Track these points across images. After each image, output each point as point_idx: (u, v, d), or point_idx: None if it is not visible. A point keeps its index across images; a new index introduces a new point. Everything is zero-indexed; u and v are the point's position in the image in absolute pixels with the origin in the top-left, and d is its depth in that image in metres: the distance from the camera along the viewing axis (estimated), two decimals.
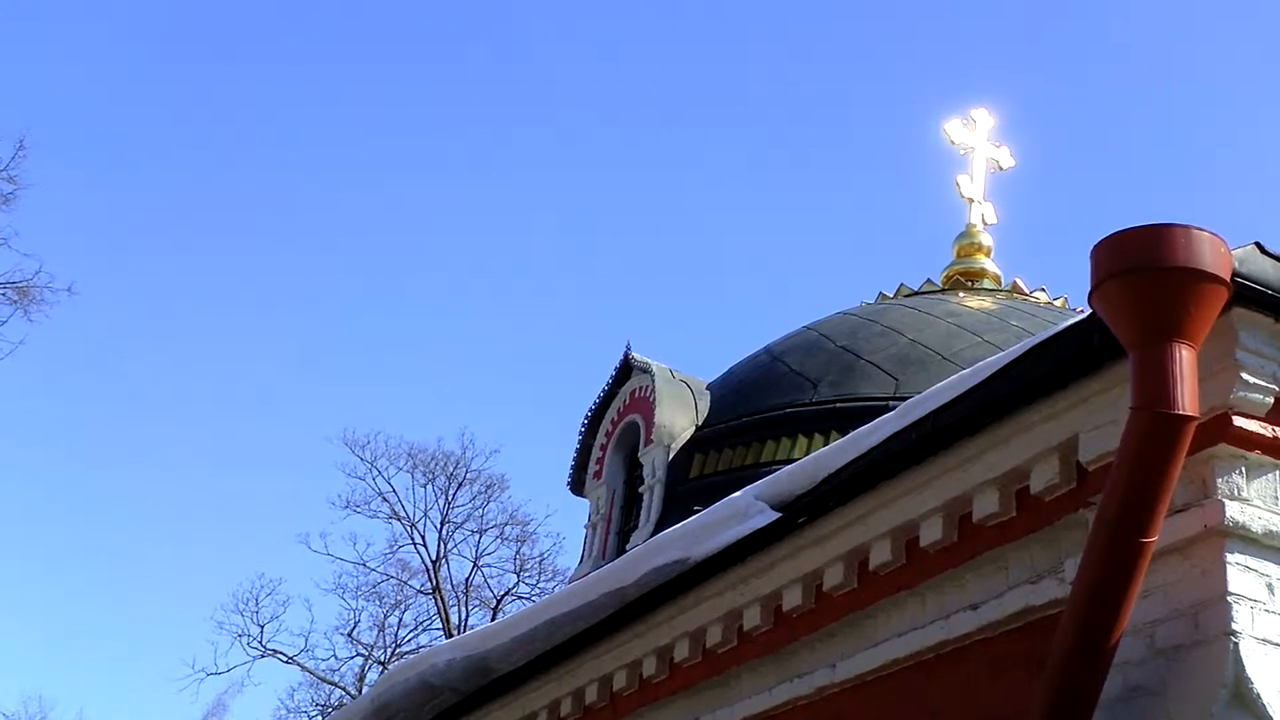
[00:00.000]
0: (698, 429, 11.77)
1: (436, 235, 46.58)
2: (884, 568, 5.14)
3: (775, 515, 5.38)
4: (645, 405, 12.11)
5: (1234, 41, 45.45)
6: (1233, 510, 3.93)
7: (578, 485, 12.94)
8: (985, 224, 14.43)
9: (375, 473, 31.52)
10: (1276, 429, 4.03)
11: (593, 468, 12.76)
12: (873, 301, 13.34)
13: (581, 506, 12.95)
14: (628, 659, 6.56)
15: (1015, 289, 13.52)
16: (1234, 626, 3.82)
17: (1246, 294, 3.87)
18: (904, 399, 5.71)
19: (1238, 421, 3.98)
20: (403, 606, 31.87)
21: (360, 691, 28.05)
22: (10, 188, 25.52)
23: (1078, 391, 4.32)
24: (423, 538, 31.46)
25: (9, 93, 38.33)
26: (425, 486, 31.68)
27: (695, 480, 11.38)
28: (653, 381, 12.06)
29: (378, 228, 47.24)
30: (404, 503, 31.55)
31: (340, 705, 27.46)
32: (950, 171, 14.71)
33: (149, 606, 45.96)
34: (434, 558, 31.29)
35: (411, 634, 31.53)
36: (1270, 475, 4.06)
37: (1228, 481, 4.00)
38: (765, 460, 10.76)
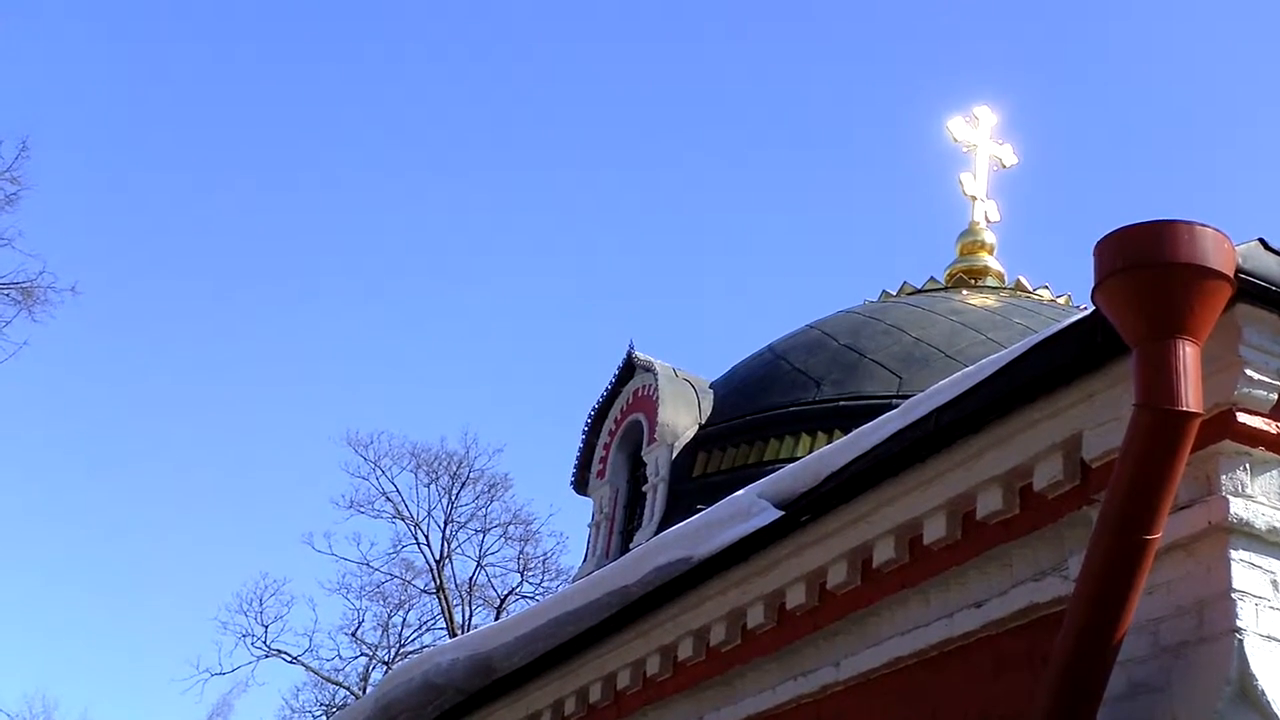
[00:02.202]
0: (701, 428, 11.77)
1: (440, 234, 46.64)
2: (887, 566, 5.13)
3: (778, 514, 5.38)
4: (648, 404, 12.11)
5: (1236, 37, 45.43)
6: (1237, 507, 3.92)
7: (581, 484, 12.93)
8: (988, 222, 14.42)
9: (379, 472, 31.59)
10: None
11: (596, 467, 12.75)
12: (876, 299, 13.34)
13: (585, 506, 12.95)
14: (631, 658, 6.56)
15: (1019, 287, 13.51)
16: (1238, 623, 3.81)
17: (1250, 290, 3.86)
18: (907, 397, 5.70)
19: (1241, 418, 3.97)
20: (407, 606, 31.93)
21: (364, 691, 28.06)
22: (14, 188, 25.51)
23: (1081, 389, 4.31)
24: (426, 537, 31.52)
25: (12, 94, 38.39)
26: (429, 486, 31.74)
27: (699, 479, 11.37)
28: (656, 380, 12.05)
29: (381, 227, 47.29)
30: (408, 502, 31.61)
31: (344, 705, 27.46)
32: (953, 169, 14.72)
33: (153, 607, 46.05)
34: (438, 557, 31.33)
35: (415, 634, 31.60)
36: (1275, 471, 4.05)
37: (1232, 478, 3.99)
38: (769, 459, 10.75)
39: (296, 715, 31.50)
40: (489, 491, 31.82)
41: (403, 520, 31.52)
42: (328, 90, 47.03)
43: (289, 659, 31.57)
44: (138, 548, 45.85)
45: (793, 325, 12.80)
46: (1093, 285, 3.80)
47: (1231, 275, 3.72)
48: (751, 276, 47.64)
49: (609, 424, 12.72)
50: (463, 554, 31.66)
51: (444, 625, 30.70)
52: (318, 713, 31.10)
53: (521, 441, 43.72)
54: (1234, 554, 3.90)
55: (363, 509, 31.33)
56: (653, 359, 12.37)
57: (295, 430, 45.76)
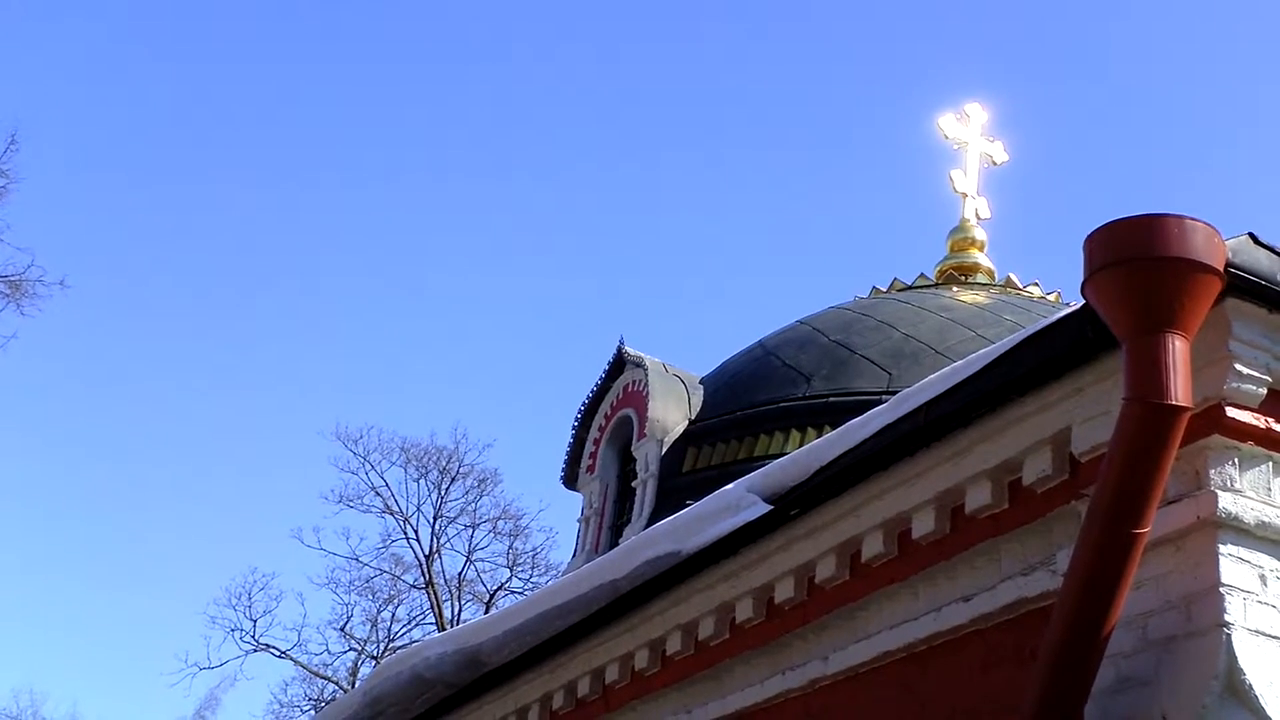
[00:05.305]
0: (691, 423, 11.76)
1: (430, 231, 46.57)
2: (876, 560, 5.13)
3: (767, 508, 5.37)
4: (639, 399, 12.10)
5: (1227, 35, 45.51)
6: (1225, 501, 3.92)
7: (571, 479, 12.92)
8: (979, 219, 14.42)
9: (368, 467, 31.50)
10: (1270, 420, 4.02)
11: (586, 462, 12.74)
12: (866, 296, 13.34)
13: (575, 501, 12.95)
14: (620, 652, 6.55)
15: (1009, 284, 13.53)
16: (1227, 618, 3.81)
17: (1240, 284, 3.86)
18: (897, 393, 5.70)
19: (1231, 413, 3.97)
20: (396, 601, 31.89)
21: (353, 686, 28.03)
22: (3, 181, 25.40)
23: (1070, 383, 4.31)
24: (416, 532, 31.46)
25: (1, 86, 38.24)
26: (418, 481, 31.67)
27: (688, 474, 11.37)
28: (646, 375, 12.05)
29: (371, 223, 47.22)
30: (397, 497, 31.54)
31: (333, 699, 27.43)
32: (944, 166, 14.72)
33: (142, 601, 46.02)
34: (427, 552, 31.28)
35: (404, 629, 31.56)
36: (1263, 466, 4.05)
37: (1221, 473, 3.99)
38: (758, 454, 10.75)
39: (285, 710, 31.47)
40: (478, 486, 31.81)
41: (392, 515, 31.49)
42: (319, 87, 46.98)
43: (277, 653, 31.53)
44: (126, 542, 45.85)
45: (783, 321, 12.81)
46: (1082, 279, 3.80)
47: (1221, 270, 3.72)
48: (742, 272, 47.68)
49: (599, 419, 12.71)
50: (452, 549, 31.66)
51: (433, 620, 30.67)
52: (306, 707, 31.06)
53: (511, 436, 43.79)
54: (1222, 549, 3.91)
55: (352, 504, 31.28)
56: (643, 354, 12.37)
57: (285, 424, 45.79)
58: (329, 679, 31.21)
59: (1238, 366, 3.94)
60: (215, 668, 31.24)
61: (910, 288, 13.40)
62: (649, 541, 6.04)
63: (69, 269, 40.79)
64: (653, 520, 10.70)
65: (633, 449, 12.03)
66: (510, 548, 31.54)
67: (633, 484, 11.92)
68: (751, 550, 5.62)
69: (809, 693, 5.52)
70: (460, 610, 30.89)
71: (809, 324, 12.31)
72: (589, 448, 12.74)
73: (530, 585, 30.15)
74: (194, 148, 45.79)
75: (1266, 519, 3.97)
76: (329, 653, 31.64)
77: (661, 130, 48.01)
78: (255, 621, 31.44)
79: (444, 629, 28.47)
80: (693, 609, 6.04)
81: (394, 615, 31.79)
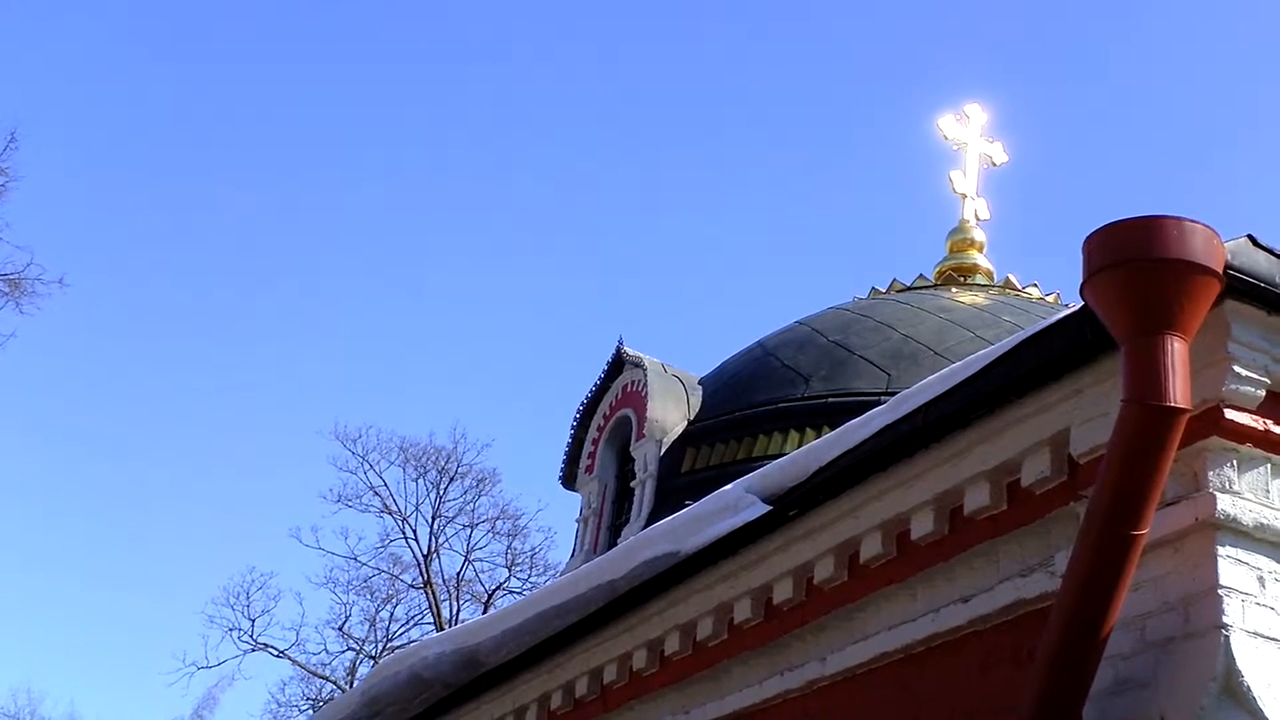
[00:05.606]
0: (690, 423, 11.76)
1: (430, 231, 46.56)
2: (875, 561, 5.13)
3: (766, 508, 5.37)
4: (637, 399, 12.10)
5: (1227, 35, 45.52)
6: (1224, 503, 3.92)
7: (569, 479, 12.92)
8: (978, 220, 14.42)
9: (367, 467, 31.51)
10: (1268, 422, 4.02)
11: (584, 462, 12.74)
12: (865, 296, 13.34)
13: (573, 501, 12.94)
14: (618, 652, 6.55)
15: (1008, 285, 13.54)
16: (1225, 619, 3.82)
17: (1239, 286, 3.86)
18: (896, 394, 5.70)
19: (1229, 414, 3.97)
20: (394, 601, 31.90)
21: (351, 685, 28.03)
22: (2, 179, 25.39)
23: (1069, 384, 4.31)
24: (414, 532, 31.47)
25: (1, 86, 38.23)
26: (417, 481, 31.69)
27: (687, 475, 11.37)
28: (645, 376, 12.05)
29: (371, 223, 47.21)
30: (395, 497, 31.55)
31: (331, 699, 27.42)
32: (943, 167, 14.72)
33: (140, 600, 46.01)
34: (425, 552, 31.29)
35: (403, 628, 31.57)
36: (1262, 468, 4.05)
37: (1219, 474, 3.99)
38: (757, 455, 10.75)
39: (283, 709, 31.48)
40: (477, 486, 31.82)
41: (390, 515, 31.50)
42: (319, 87, 46.96)
43: (276, 653, 31.55)
44: (125, 541, 45.84)
45: (782, 322, 12.81)
46: (1081, 280, 3.80)
47: (1220, 271, 3.72)
48: (741, 273, 47.68)
49: (598, 419, 12.71)
50: (450, 549, 31.67)
51: (431, 620, 30.68)
52: (304, 707, 31.06)
53: (510, 436, 43.83)
54: (1221, 550, 3.91)
55: (351, 503, 31.28)
56: (642, 355, 12.37)
57: (284, 424, 45.78)
58: (327, 679, 31.23)
59: (1236, 368, 3.95)
60: (213, 667, 31.29)
61: (909, 288, 13.40)
62: (647, 542, 6.04)
63: (68, 267, 40.77)
64: (651, 520, 10.69)
65: (631, 449, 12.03)
66: (509, 548, 31.58)
67: (631, 484, 11.92)
68: (750, 551, 5.62)
69: (807, 694, 5.52)
70: (458, 610, 30.92)
71: (808, 324, 12.31)
72: (588, 448, 12.74)
73: (529, 585, 30.17)
74: (194, 147, 45.81)
75: (1265, 521, 3.97)
76: (327, 652, 31.69)
77: (661, 130, 48.04)
78: (253, 621, 31.49)
79: (442, 629, 28.48)
80: (691, 609, 6.04)
81: (392, 615, 31.84)
